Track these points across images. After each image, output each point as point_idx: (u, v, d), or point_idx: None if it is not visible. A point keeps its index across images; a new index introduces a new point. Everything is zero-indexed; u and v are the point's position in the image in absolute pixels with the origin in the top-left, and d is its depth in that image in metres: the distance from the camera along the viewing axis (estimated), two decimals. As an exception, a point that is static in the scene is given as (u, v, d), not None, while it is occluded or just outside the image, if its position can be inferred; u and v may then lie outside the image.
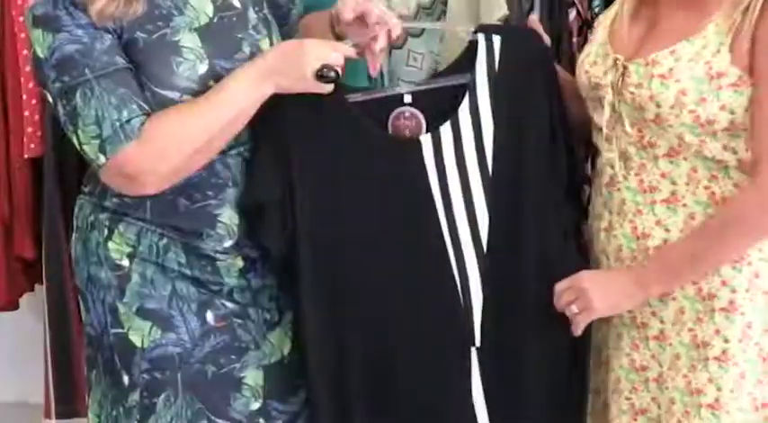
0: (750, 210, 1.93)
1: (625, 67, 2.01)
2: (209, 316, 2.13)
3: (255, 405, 2.16)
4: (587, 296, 2.02)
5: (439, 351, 2.14)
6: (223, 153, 2.06)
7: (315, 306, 2.11)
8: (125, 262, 2.10)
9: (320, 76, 2.00)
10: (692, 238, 1.98)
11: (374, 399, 2.14)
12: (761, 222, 1.94)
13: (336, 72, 2.01)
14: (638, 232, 2.04)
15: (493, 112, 2.11)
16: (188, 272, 2.11)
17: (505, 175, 2.11)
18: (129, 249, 2.09)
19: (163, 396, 2.10)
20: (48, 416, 2.92)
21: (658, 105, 1.96)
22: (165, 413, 2.10)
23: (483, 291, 2.12)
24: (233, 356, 2.14)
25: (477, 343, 2.14)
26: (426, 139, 2.11)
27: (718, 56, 1.92)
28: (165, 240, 2.10)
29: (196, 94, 2.01)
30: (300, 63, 2.01)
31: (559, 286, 2.06)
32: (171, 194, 2.06)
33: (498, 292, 2.12)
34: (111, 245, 2.10)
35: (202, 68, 2.04)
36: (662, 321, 2.04)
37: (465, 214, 2.12)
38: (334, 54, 2.02)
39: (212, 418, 2.12)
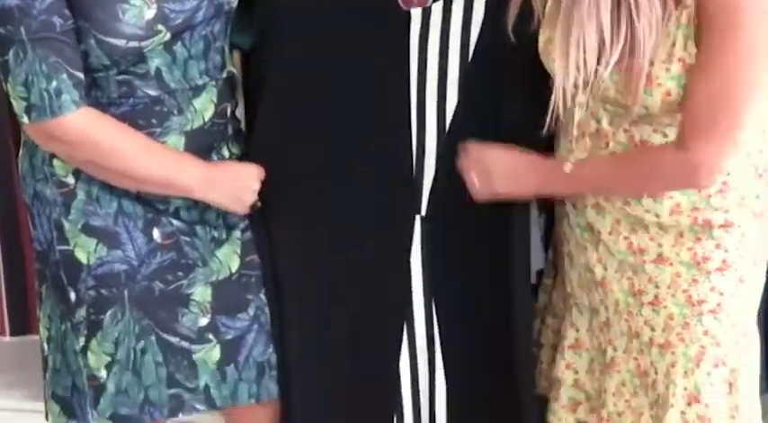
0: (667, 169, 1.94)
1: None
2: (156, 233, 2.13)
3: (204, 321, 2.16)
4: (491, 179, 2.07)
5: (386, 213, 2.20)
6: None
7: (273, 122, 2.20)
8: (70, 179, 2.09)
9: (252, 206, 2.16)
10: (606, 165, 2.00)
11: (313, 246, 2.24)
12: (669, 184, 1.96)
13: None
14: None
15: (486, 3, 2.12)
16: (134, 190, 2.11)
17: (483, 64, 2.13)
18: (74, 167, 2.08)
19: (110, 313, 2.10)
20: (2, 333, 2.92)
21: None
22: (113, 329, 2.11)
23: (436, 165, 2.16)
24: (180, 273, 2.14)
25: (423, 212, 2.19)
26: (416, 13, 2.12)
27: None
28: None
29: (142, 39, 1.99)
30: (244, 195, 2.14)
31: (470, 156, 2.09)
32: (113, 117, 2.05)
33: (451, 170, 2.14)
34: (56, 162, 2.09)
35: (150, 14, 2.00)
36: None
37: (436, 91, 2.14)
38: None
39: (160, 333, 2.13)
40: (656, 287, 2.03)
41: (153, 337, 2.13)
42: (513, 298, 2.21)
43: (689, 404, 2.01)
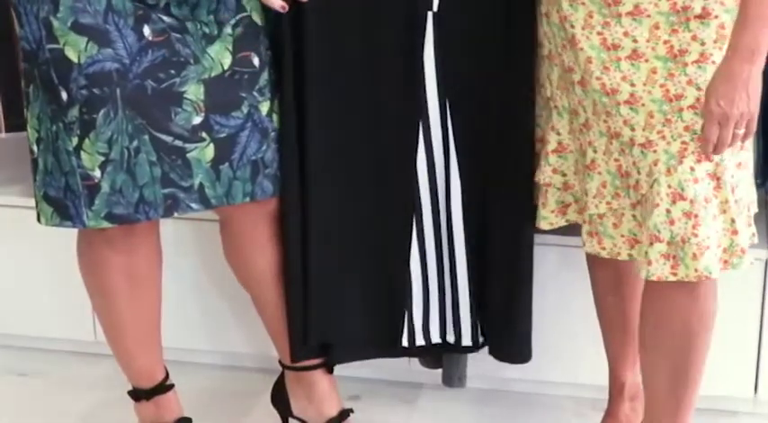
0: None
1: None
2: (147, 30, 2.10)
3: (197, 119, 2.15)
4: (743, 118, 1.95)
5: (398, 10, 2.23)
6: None
7: None
8: (58, -25, 2.05)
9: None
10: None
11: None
12: None
13: None
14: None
15: None
16: (123, -16, 2.08)
17: None
18: (61, -38, 2.04)
19: (102, 112, 2.09)
20: (-2, 129, 2.91)
21: None
22: (105, 129, 2.10)
23: None
24: (172, 71, 2.12)
25: (435, 7, 2.21)
26: None
27: None
28: None
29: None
30: None
31: (709, 130, 1.97)
32: None
33: None
34: (42, -43, 2.04)
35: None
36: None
37: None
38: None
39: (153, 132, 2.13)
40: (632, 85, 2.01)
41: (146, 137, 2.13)
42: (518, 96, 2.25)
43: (673, 202, 2.01)
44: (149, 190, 2.15)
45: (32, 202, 2.24)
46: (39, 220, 2.22)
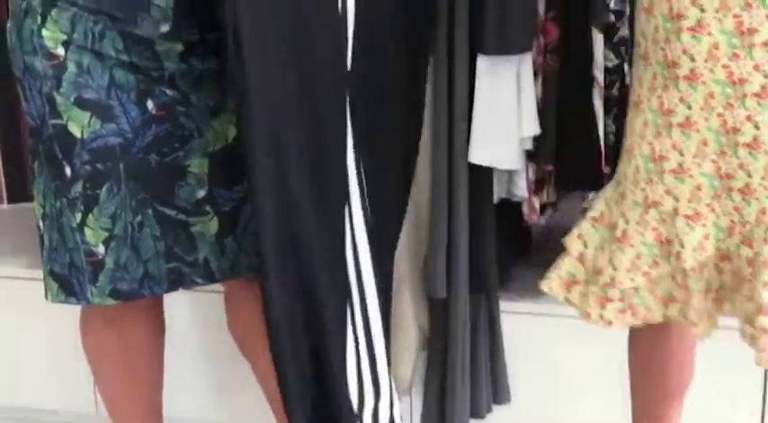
0: None
1: None
2: (150, 104, 2.09)
3: (201, 193, 2.14)
4: None
5: (324, 67, 2.08)
6: None
7: None
8: (60, 51, 2.04)
9: None
10: None
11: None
12: None
13: None
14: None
15: None
16: (126, 58, 2.06)
17: None
18: (63, 37, 2.03)
19: (106, 186, 2.08)
20: (-1, 200, 2.91)
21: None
22: (109, 204, 2.08)
23: (355, 12, 2.07)
24: (176, 144, 2.11)
25: (349, 67, 2.09)
26: None
27: None
28: (99, 26, 2.04)
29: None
30: None
31: None
32: None
33: (368, 17, 2.08)
34: (45, 32, 2.04)
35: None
36: (689, 107, 1.91)
37: None
38: None
39: (157, 207, 2.12)
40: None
41: (150, 211, 2.11)
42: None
43: None
44: (154, 265, 2.14)
45: (34, 274, 2.23)
46: (46, 296, 2.20)
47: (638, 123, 1.98)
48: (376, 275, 2.18)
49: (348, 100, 2.10)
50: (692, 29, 1.85)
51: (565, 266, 2.14)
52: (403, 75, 2.21)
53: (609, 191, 2.09)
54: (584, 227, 2.12)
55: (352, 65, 2.08)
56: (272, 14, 2.00)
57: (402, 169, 2.28)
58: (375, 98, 2.14)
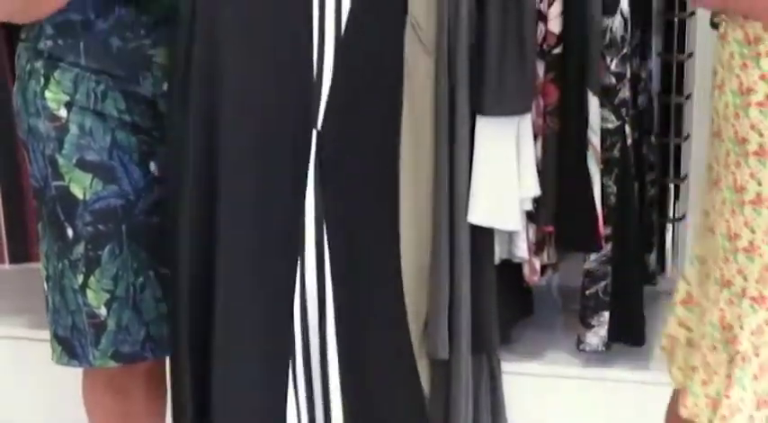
0: None
1: None
2: (152, 166, 2.11)
3: (204, 251, 2.15)
4: None
5: (283, 125, 2.09)
6: None
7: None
8: (62, 112, 2.06)
9: None
10: None
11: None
12: None
13: None
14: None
15: None
16: (128, 118, 2.08)
17: None
18: (66, 98, 2.06)
19: (108, 248, 2.09)
20: (1, 261, 2.91)
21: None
22: (111, 265, 2.09)
23: (333, 72, 2.07)
24: (177, 206, 2.12)
25: (319, 126, 2.09)
26: None
27: None
28: (102, 86, 2.06)
29: None
30: None
31: None
32: (103, 34, 2.03)
33: (347, 75, 2.09)
34: (48, 94, 2.06)
35: None
36: (759, 183, 1.84)
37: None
38: None
39: (159, 268, 2.13)
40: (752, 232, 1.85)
41: (152, 273, 2.12)
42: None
43: None
44: (156, 327, 2.14)
45: (36, 334, 2.23)
46: (51, 357, 2.20)
47: (718, 201, 1.92)
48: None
49: (316, 159, 2.10)
50: (760, 103, 1.81)
51: (680, 354, 2.04)
52: (381, 133, 2.20)
53: (691, 271, 2.02)
54: (680, 313, 2.03)
55: (323, 124, 2.09)
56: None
57: (387, 227, 2.25)
58: (351, 158, 2.14)
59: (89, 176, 2.07)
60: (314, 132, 2.09)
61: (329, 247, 2.13)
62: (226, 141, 2.05)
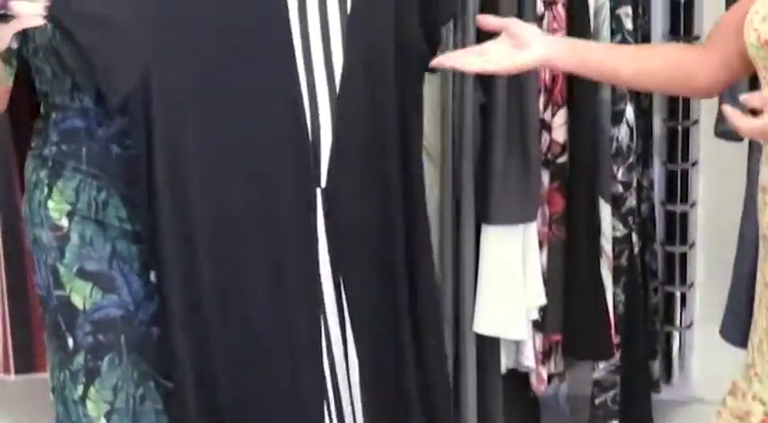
0: None
1: None
2: (153, 276, 2.10)
3: (204, 364, 2.14)
4: None
5: (286, 188, 2.09)
6: None
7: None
8: (64, 222, 2.08)
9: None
10: None
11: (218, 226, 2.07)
12: None
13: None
14: None
15: None
16: (129, 227, 2.10)
17: (363, 12, 2.08)
18: (68, 208, 2.07)
19: (107, 358, 2.08)
20: (6, 371, 2.89)
21: None
22: (111, 376, 2.08)
23: (333, 132, 2.08)
24: (179, 317, 2.11)
25: (323, 184, 2.10)
26: None
27: None
28: (103, 194, 2.08)
29: None
30: None
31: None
32: (103, 141, 2.06)
33: (347, 133, 2.09)
34: (50, 204, 2.08)
35: None
36: None
37: (322, 53, 2.07)
38: None
39: (159, 379, 2.11)
40: None
41: (152, 384, 2.11)
42: (418, 276, 2.18)
43: None
44: (155, 439, 2.12)
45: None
46: None
47: None
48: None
49: (323, 218, 2.11)
50: None
51: None
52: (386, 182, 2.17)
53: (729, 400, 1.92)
54: None
55: (327, 182, 2.10)
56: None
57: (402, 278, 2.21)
58: (357, 214, 2.14)
59: (89, 285, 2.07)
60: (318, 191, 2.10)
61: (347, 300, 2.15)
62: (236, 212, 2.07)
